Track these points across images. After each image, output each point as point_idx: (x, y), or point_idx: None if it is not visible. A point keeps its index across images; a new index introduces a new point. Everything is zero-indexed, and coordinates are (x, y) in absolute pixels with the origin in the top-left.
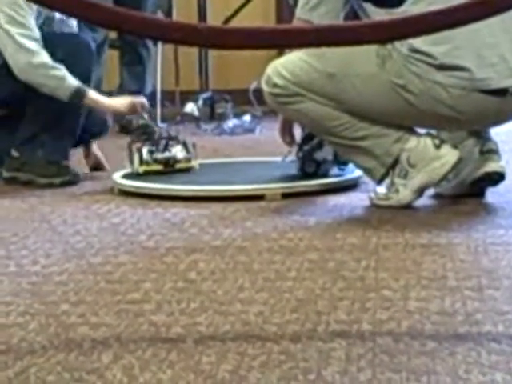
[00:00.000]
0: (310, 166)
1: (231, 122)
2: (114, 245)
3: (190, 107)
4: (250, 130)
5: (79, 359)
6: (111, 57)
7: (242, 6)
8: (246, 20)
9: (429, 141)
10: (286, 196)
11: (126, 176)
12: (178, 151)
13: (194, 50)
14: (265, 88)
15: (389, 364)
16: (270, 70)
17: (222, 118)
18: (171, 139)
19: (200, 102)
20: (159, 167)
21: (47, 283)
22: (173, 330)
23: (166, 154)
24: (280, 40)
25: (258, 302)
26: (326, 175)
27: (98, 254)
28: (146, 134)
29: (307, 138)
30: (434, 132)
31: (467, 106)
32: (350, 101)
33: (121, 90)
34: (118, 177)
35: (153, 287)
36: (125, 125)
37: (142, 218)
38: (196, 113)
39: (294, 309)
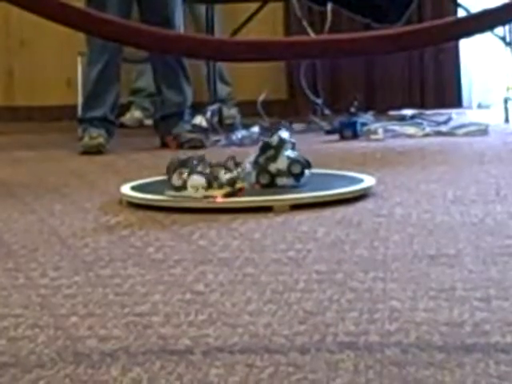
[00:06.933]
0: (264, 178)
1: (240, 134)
2: (122, 257)
3: (199, 119)
4: (259, 141)
5: (88, 372)
6: None
7: (249, 19)
8: (254, 32)
9: None
10: (294, 207)
11: (134, 188)
12: None
13: (202, 63)
14: None
15: (397, 375)
16: None
17: (231, 129)
18: None
19: (208, 114)
20: None
21: (56, 296)
22: (181, 342)
23: None
24: (288, 52)
25: (266, 313)
26: (281, 187)
27: (106, 266)
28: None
29: (262, 150)
30: None
31: None
32: None
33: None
34: (126, 189)
35: (161, 299)
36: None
37: (150, 231)
38: (204, 124)
39: (302, 320)
